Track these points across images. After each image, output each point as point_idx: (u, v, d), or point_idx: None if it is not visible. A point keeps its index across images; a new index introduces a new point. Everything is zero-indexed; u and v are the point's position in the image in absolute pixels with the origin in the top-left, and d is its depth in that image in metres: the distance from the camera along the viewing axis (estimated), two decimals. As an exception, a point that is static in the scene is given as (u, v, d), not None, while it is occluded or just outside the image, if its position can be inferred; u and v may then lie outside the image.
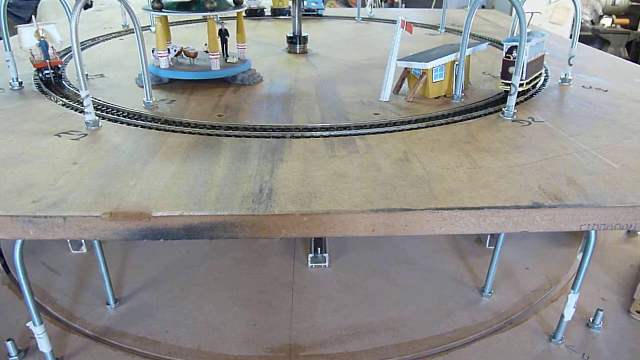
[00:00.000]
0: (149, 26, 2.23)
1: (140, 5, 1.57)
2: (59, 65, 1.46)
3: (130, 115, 1.21)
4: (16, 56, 1.41)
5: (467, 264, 1.49)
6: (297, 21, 1.88)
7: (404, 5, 4.52)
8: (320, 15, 2.68)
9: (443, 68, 1.35)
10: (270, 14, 2.73)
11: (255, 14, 2.72)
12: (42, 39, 1.39)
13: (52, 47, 1.42)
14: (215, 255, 1.51)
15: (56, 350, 1.12)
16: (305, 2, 2.61)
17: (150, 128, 1.13)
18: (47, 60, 1.41)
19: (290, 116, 1.23)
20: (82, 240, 1.50)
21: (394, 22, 2.59)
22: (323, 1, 2.72)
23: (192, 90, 1.42)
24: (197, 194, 0.84)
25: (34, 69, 1.42)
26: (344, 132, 1.12)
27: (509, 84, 1.24)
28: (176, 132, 1.11)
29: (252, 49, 1.85)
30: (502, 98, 1.34)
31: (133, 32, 2.16)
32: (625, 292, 1.37)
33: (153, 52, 1.48)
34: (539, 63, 1.40)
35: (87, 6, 2.95)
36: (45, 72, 1.43)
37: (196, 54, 1.51)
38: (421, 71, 1.34)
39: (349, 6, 5.08)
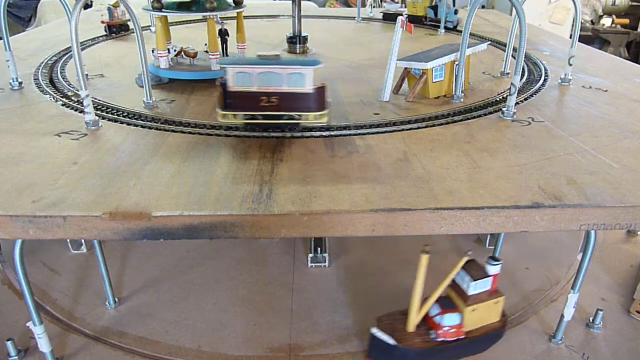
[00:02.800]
0: (149, 26, 2.23)
1: (140, 5, 1.57)
2: (127, 24, 2.20)
3: (130, 115, 1.21)
4: (16, 56, 1.41)
5: (467, 264, 1.49)
6: (297, 21, 1.88)
7: (403, 5, 4.51)
8: (450, 29, 2.35)
9: (443, 68, 1.35)
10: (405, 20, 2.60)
11: (394, 18, 2.54)
12: (109, 6, 2.14)
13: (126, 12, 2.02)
14: (215, 255, 1.51)
15: (56, 350, 1.12)
16: (438, 14, 2.39)
17: (150, 128, 1.13)
18: (105, 22, 2.15)
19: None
20: (82, 240, 1.50)
21: (394, 22, 2.59)
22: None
23: (192, 90, 1.42)
24: (197, 193, 0.84)
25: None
26: (344, 132, 1.12)
27: (230, 115, 1.04)
28: (176, 132, 1.11)
29: (252, 49, 1.84)
30: (502, 98, 1.34)
31: (133, 32, 2.17)
32: (625, 292, 1.37)
33: (153, 52, 1.48)
34: (300, 100, 1.04)
35: (87, 6, 2.95)
36: (112, 28, 2.15)
37: (196, 54, 1.51)
38: (421, 71, 1.34)
39: (349, 6, 5.08)
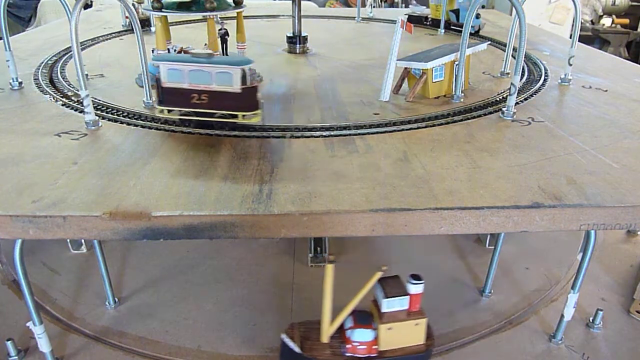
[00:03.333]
0: (149, 26, 2.23)
1: (140, 6, 1.57)
2: (149, 19, 2.22)
3: (130, 115, 1.21)
4: (16, 56, 1.41)
5: (467, 264, 1.50)
6: (297, 21, 1.88)
7: (404, 5, 4.52)
8: (472, 34, 2.15)
9: (443, 68, 1.35)
10: (429, 23, 2.43)
11: (419, 21, 2.44)
12: (133, 3, 2.06)
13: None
14: (215, 255, 1.51)
15: (56, 350, 1.12)
16: (460, 18, 2.23)
17: (150, 128, 1.13)
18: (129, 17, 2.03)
19: (290, 116, 1.23)
20: (82, 240, 1.50)
21: (394, 22, 2.58)
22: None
23: (192, 90, 1.42)
24: (197, 194, 0.84)
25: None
26: (344, 132, 1.12)
27: (167, 110, 1.08)
28: (176, 132, 1.11)
29: (252, 49, 1.84)
30: (502, 98, 1.34)
31: (133, 32, 2.17)
32: (625, 292, 1.37)
33: (153, 52, 1.48)
34: (229, 99, 1.03)
35: (87, 6, 2.95)
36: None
37: (196, 54, 1.51)
38: (421, 71, 1.34)
39: (349, 6, 5.08)
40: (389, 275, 1.05)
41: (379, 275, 1.00)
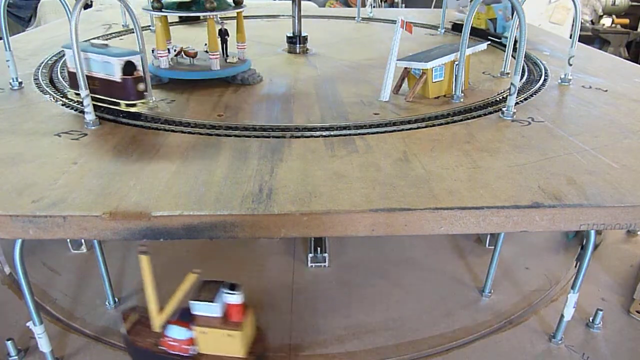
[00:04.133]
0: (149, 26, 2.23)
1: (140, 5, 1.57)
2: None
3: (130, 115, 1.20)
4: (16, 56, 1.41)
5: (467, 264, 1.50)
6: (297, 21, 1.88)
7: (404, 5, 4.52)
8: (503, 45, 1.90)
9: (443, 68, 1.35)
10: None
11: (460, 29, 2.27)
12: None
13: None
14: (215, 255, 1.51)
15: (56, 350, 1.12)
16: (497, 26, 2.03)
17: (150, 128, 1.14)
18: None
19: (290, 116, 1.23)
20: (82, 240, 1.50)
21: (394, 22, 2.58)
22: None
23: (192, 90, 1.42)
24: (197, 193, 0.84)
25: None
26: (344, 132, 1.12)
27: (75, 93, 1.16)
28: (176, 132, 1.12)
29: (252, 49, 1.84)
30: (502, 98, 1.34)
31: (133, 32, 2.17)
32: (625, 292, 1.37)
33: (153, 52, 1.48)
34: (113, 88, 1.12)
35: (87, 6, 2.95)
36: None
37: (196, 53, 1.51)
38: (421, 71, 1.34)
39: (349, 6, 5.09)
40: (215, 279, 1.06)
41: (193, 277, 0.99)
